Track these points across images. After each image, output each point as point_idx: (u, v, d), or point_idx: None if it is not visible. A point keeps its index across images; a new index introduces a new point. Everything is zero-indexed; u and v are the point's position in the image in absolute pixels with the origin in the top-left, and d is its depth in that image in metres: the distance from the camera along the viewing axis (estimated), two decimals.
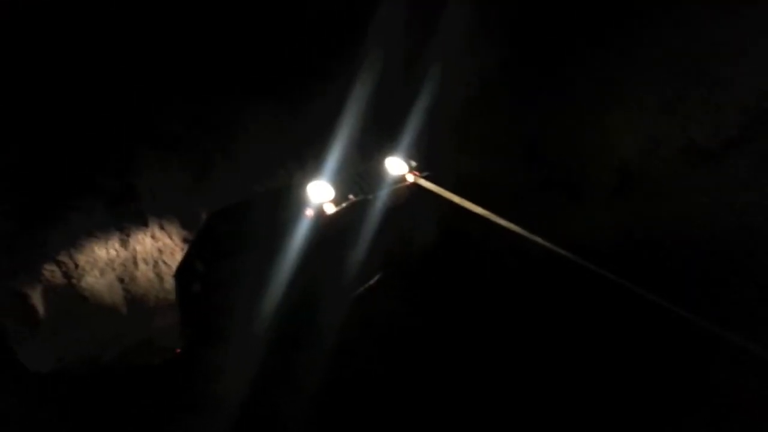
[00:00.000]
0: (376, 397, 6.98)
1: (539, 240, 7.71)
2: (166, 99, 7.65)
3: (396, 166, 7.81)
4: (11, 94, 7.15)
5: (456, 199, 7.72)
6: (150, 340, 7.51)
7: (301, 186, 7.06)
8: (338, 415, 6.85)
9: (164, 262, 7.69)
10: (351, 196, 7.18)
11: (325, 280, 7.31)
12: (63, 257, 7.31)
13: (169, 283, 7.70)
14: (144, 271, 7.62)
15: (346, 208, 7.18)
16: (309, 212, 6.92)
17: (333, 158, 7.49)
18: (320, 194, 6.97)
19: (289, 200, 7.04)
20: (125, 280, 7.55)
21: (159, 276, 7.67)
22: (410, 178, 7.76)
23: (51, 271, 7.27)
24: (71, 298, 7.34)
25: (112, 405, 6.64)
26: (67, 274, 7.33)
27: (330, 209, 7.04)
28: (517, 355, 7.37)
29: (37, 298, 7.18)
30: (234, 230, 7.13)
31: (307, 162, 7.99)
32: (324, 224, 7.03)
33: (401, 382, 7.14)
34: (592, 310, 7.60)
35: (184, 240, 7.77)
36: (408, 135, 8.37)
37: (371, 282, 7.75)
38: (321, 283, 7.28)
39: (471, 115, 8.82)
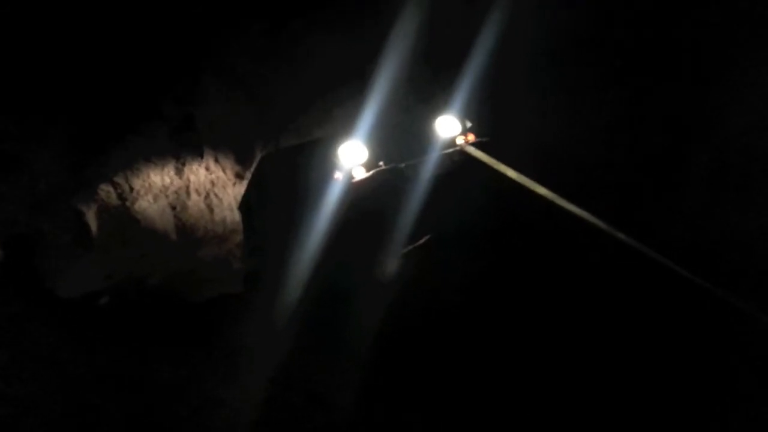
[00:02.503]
0: (416, 368, 6.79)
1: (618, 234, 6.84)
2: (232, 30, 7.55)
3: (447, 126, 7.07)
4: (83, 16, 7.24)
5: (512, 174, 6.93)
6: (194, 271, 7.67)
7: (341, 141, 6.71)
8: (380, 380, 6.70)
9: (216, 195, 7.77)
10: (381, 163, 6.73)
11: (356, 248, 7.01)
12: (119, 179, 7.53)
13: (219, 215, 7.80)
14: (195, 201, 7.74)
15: (376, 175, 6.75)
16: (338, 175, 6.60)
17: (372, 110, 7.06)
18: (352, 156, 6.54)
19: (327, 156, 6.74)
20: (177, 208, 7.71)
21: (210, 207, 7.77)
22: (460, 142, 7.06)
23: (107, 192, 7.50)
24: (124, 219, 7.57)
25: (144, 339, 6.81)
26: (121, 196, 7.55)
27: (358, 174, 6.62)
28: (571, 358, 6.88)
29: (91, 217, 7.46)
30: (279, 178, 7.01)
31: (363, 87, 7.59)
32: (352, 190, 6.68)
33: (440, 359, 6.89)
34: (675, 322, 6.90)
35: (237, 175, 7.82)
36: (468, 85, 7.59)
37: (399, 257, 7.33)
38: (353, 252, 6.98)
39: (549, 69, 8.04)
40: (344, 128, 7.63)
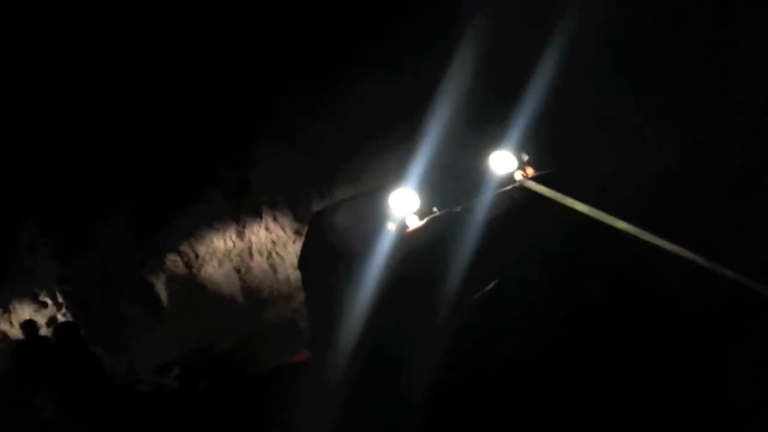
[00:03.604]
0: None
1: (722, 270, 5.85)
2: (279, 88, 7.55)
3: (503, 162, 6.44)
4: (141, 86, 7.49)
5: (583, 208, 6.13)
6: (262, 333, 7.61)
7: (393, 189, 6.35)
8: None
9: (277, 254, 7.70)
10: (434, 209, 6.21)
11: (412, 303, 6.51)
12: (184, 247, 7.70)
13: (282, 274, 7.71)
14: (258, 262, 7.71)
15: (430, 222, 6.24)
16: (390, 226, 6.17)
17: (423, 153, 6.67)
18: (404, 204, 6.09)
19: (379, 206, 6.38)
20: (241, 271, 7.72)
21: (273, 267, 7.70)
22: (518, 177, 6.37)
23: (174, 261, 7.69)
24: (192, 286, 7.70)
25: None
26: (188, 264, 7.70)
27: (412, 224, 6.12)
28: None
29: (161, 287, 7.64)
30: (332, 233, 6.81)
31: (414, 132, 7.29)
32: (406, 241, 6.20)
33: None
34: None
35: (296, 232, 7.70)
36: (524, 117, 6.99)
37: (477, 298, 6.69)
38: (408, 307, 6.50)
39: (617, 88, 7.35)
40: (397, 174, 7.36)
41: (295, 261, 7.61)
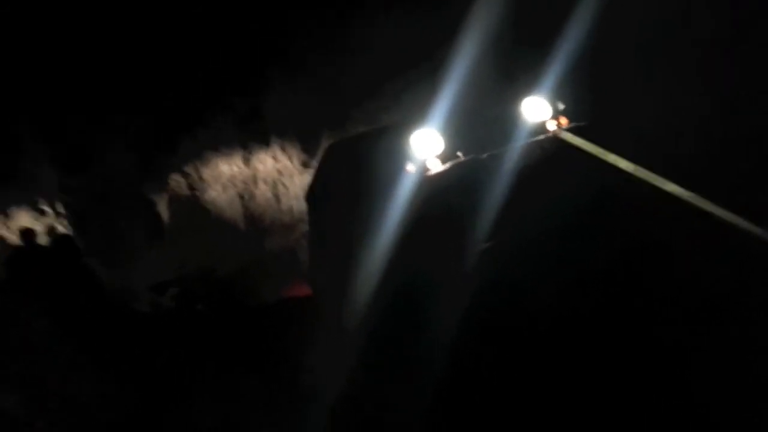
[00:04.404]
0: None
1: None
2: (297, 18, 7.31)
3: (537, 109, 6.11)
4: (157, 4, 7.25)
5: (626, 165, 5.80)
6: (262, 262, 7.56)
7: (412, 128, 6.09)
8: (454, 403, 6.12)
9: (283, 184, 7.61)
10: (459, 154, 5.91)
11: (430, 249, 6.28)
12: (189, 169, 7.60)
13: (286, 205, 7.63)
14: (263, 191, 7.62)
15: (454, 167, 5.95)
16: (410, 167, 5.90)
17: (447, 94, 6.38)
18: (426, 146, 5.82)
19: (397, 145, 6.11)
20: (245, 197, 7.64)
21: (277, 197, 7.62)
22: (552, 127, 6.08)
23: (177, 182, 7.58)
24: (194, 209, 7.62)
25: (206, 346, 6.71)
26: (192, 186, 7.61)
27: (434, 167, 5.84)
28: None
29: (162, 206, 7.56)
30: (346, 168, 6.61)
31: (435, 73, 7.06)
32: (427, 184, 5.93)
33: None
34: None
35: (303, 164, 7.59)
36: (560, 61, 6.64)
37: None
38: (426, 253, 6.27)
39: (655, 44, 6.96)
40: (415, 115, 7.15)
41: (300, 193, 7.51)
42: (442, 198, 6.05)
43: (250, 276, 7.57)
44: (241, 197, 7.66)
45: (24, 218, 7.55)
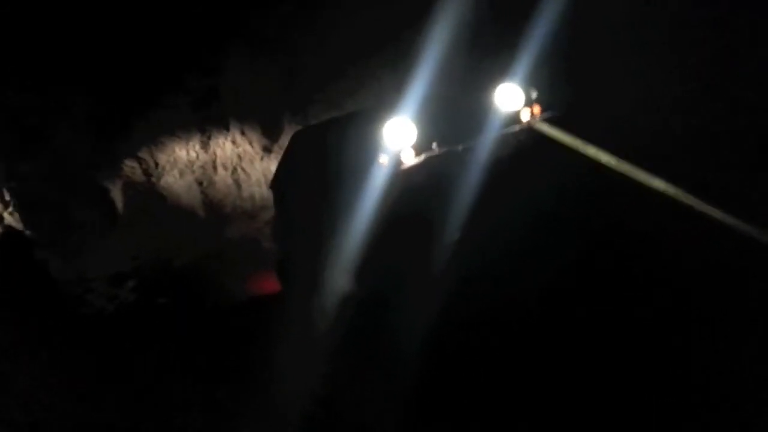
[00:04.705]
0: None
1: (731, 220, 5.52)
2: None
3: (510, 98, 5.93)
4: None
5: (597, 154, 5.68)
6: (223, 251, 7.32)
7: (381, 115, 5.85)
8: (428, 403, 6.00)
9: (243, 169, 7.34)
10: (434, 145, 5.74)
11: (404, 243, 6.12)
12: (144, 154, 7.29)
13: (247, 191, 7.38)
14: (222, 177, 7.35)
15: (429, 160, 5.77)
16: (383, 159, 5.68)
17: (417, 80, 6.15)
18: (399, 136, 5.60)
19: (367, 133, 5.86)
20: (204, 184, 7.37)
21: (237, 183, 7.36)
22: (526, 117, 5.92)
23: (132, 168, 7.28)
24: (150, 195, 7.34)
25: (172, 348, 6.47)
26: (147, 172, 7.31)
27: (408, 160, 5.65)
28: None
29: (116, 193, 7.25)
30: (313, 157, 6.36)
31: (400, 57, 6.80)
32: (401, 177, 5.74)
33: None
34: None
35: (264, 148, 7.32)
36: (534, 45, 6.42)
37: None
38: (400, 248, 6.09)
39: (642, 17, 6.75)
40: (382, 100, 6.93)
41: (261, 179, 7.29)
42: (416, 192, 5.90)
43: (211, 266, 7.35)
44: (200, 183, 7.37)
45: None
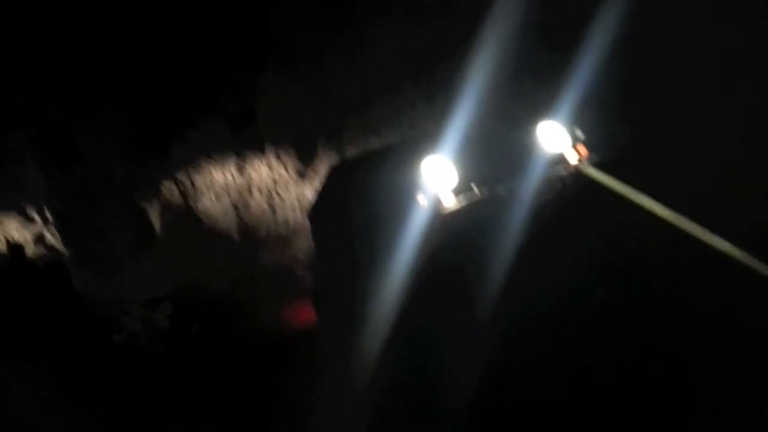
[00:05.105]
0: None
1: None
2: (293, 16, 6.77)
3: (555, 137, 5.48)
4: (143, 8, 6.77)
5: (652, 205, 5.15)
6: (257, 277, 7.21)
7: (420, 149, 5.56)
8: None
9: (278, 194, 7.19)
10: (473, 187, 5.39)
11: (445, 290, 5.80)
12: (181, 176, 7.24)
13: (281, 216, 7.24)
14: (258, 201, 7.22)
15: (470, 204, 5.43)
16: (423, 200, 5.40)
17: (455, 116, 5.79)
18: (439, 177, 5.29)
19: (408, 169, 5.59)
20: (239, 207, 7.26)
21: (272, 207, 7.22)
22: (573, 160, 5.44)
23: (169, 189, 7.24)
24: (187, 218, 7.29)
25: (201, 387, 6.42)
26: (184, 193, 7.27)
27: (448, 203, 5.33)
28: None
29: (153, 214, 7.23)
30: (352, 193, 6.21)
31: (437, 85, 6.49)
32: (442, 222, 5.43)
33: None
34: None
35: (299, 173, 7.14)
36: (582, 80, 5.94)
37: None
38: (441, 294, 5.79)
39: (704, 51, 6.14)
40: (415, 129, 6.64)
41: (295, 203, 7.18)
42: (458, 238, 5.66)
43: (245, 293, 7.28)
44: (235, 207, 7.26)
45: (12, 224, 7.29)
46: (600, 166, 5.46)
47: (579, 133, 5.51)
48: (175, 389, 6.52)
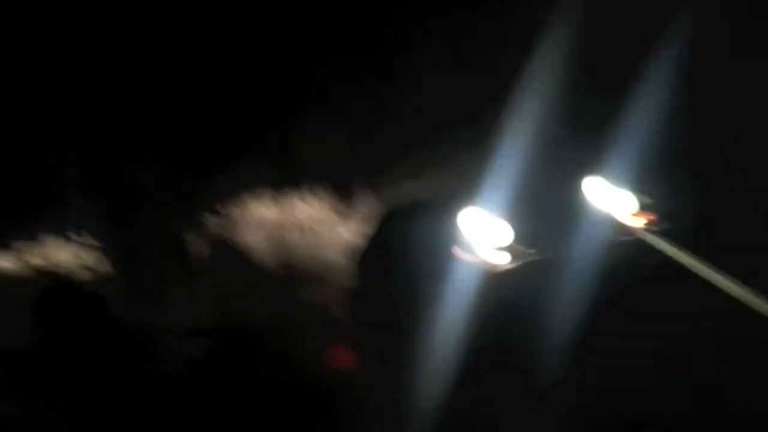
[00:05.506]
0: None
1: None
2: (339, 60, 6.76)
3: (611, 199, 4.94)
4: (194, 37, 6.87)
5: (731, 288, 4.59)
6: (296, 315, 7.11)
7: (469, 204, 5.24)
8: None
9: (315, 231, 7.14)
10: (526, 250, 4.98)
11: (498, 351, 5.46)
12: (222, 208, 7.26)
13: (319, 253, 7.19)
14: (295, 237, 7.24)
15: (523, 267, 5.01)
16: (472, 258, 5.06)
17: (500, 167, 5.45)
18: (489, 235, 4.93)
19: (455, 227, 5.28)
20: (277, 242, 7.22)
21: (309, 244, 7.16)
22: (637, 225, 4.87)
23: (210, 220, 7.27)
24: (226, 249, 7.30)
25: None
26: (224, 226, 7.30)
27: (500, 262, 4.95)
28: None
29: (195, 244, 7.34)
30: (402, 245, 6.09)
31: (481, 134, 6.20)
32: (494, 281, 5.06)
33: None
34: None
35: (337, 211, 7.10)
36: (640, 140, 5.41)
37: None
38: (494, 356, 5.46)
39: None
40: (456, 175, 6.36)
41: (333, 242, 7.06)
42: (511, 307, 5.37)
43: (282, 327, 7.21)
44: (274, 242, 7.24)
45: (58, 248, 7.48)
46: (669, 235, 4.86)
47: (645, 199, 4.96)
48: (206, 423, 6.52)
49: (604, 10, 5.76)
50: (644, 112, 5.54)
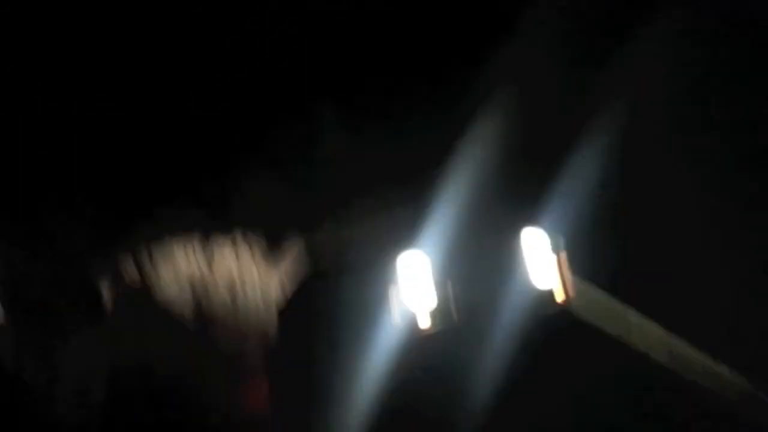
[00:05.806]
0: None
1: None
2: (274, 114, 6.79)
3: (538, 251, 5.24)
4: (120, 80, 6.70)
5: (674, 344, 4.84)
6: (210, 373, 6.90)
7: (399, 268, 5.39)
8: None
9: (240, 278, 7.04)
10: (453, 314, 5.12)
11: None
12: (140, 251, 6.96)
13: (242, 306, 7.04)
14: (219, 283, 7.04)
15: (446, 330, 5.15)
16: (397, 319, 5.16)
17: (436, 226, 5.70)
18: (417, 299, 5.04)
19: (381, 290, 5.41)
20: (198, 291, 7.03)
21: (233, 296, 7.03)
22: (561, 295, 5.14)
23: (126, 263, 6.96)
24: (141, 294, 7.04)
25: None
26: (141, 270, 6.99)
27: (424, 324, 5.07)
28: None
29: (106, 286, 6.97)
30: (324, 310, 6.11)
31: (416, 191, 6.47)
32: (418, 345, 5.15)
33: None
34: None
35: (265, 262, 7.04)
36: (564, 189, 5.80)
37: None
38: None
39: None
40: (391, 236, 6.58)
41: (258, 295, 7.04)
42: (431, 364, 5.49)
43: (196, 380, 6.97)
44: (194, 290, 7.04)
45: None
46: (591, 293, 5.29)
47: (559, 239, 5.36)
48: None
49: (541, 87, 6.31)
50: (576, 178, 5.91)
